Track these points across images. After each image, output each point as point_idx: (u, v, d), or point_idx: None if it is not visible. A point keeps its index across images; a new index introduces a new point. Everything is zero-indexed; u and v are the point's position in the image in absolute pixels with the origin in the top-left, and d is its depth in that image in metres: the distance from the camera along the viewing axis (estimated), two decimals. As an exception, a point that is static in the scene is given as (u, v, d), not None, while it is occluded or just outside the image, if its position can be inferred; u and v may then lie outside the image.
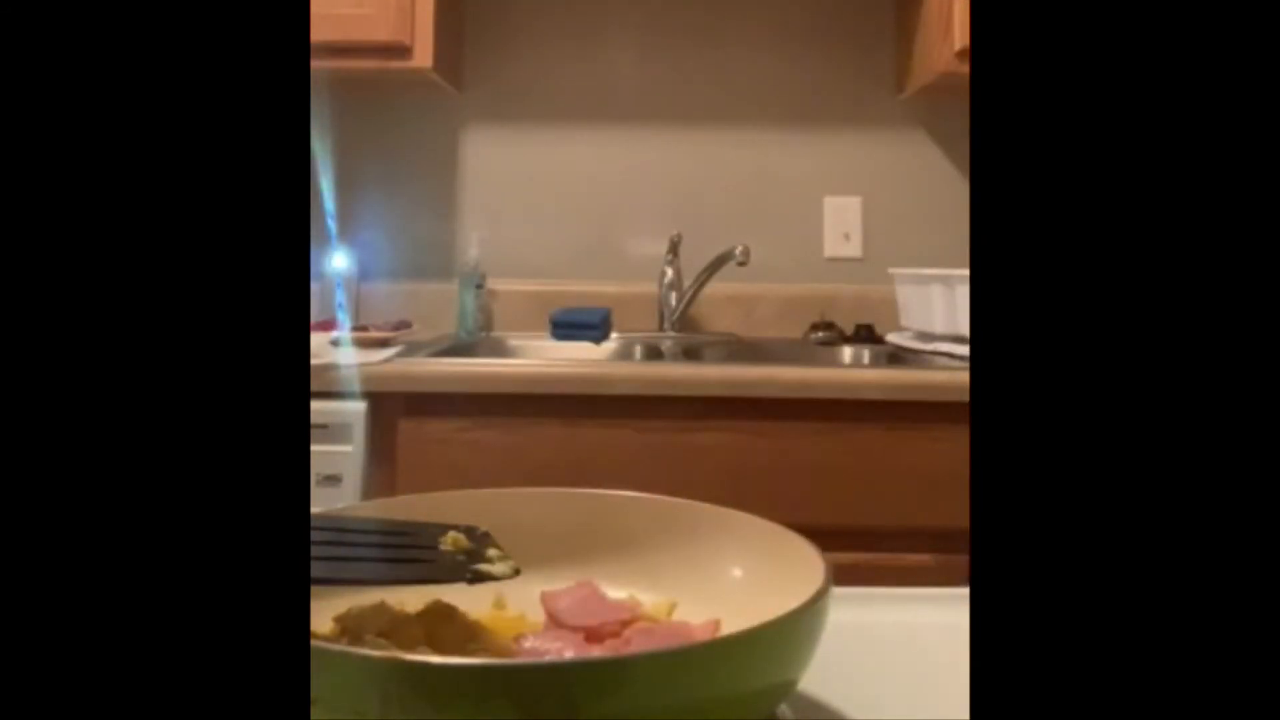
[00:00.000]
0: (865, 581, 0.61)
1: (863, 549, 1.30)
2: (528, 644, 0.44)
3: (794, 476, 1.31)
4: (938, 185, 1.89)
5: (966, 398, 1.28)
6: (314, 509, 0.45)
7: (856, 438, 1.31)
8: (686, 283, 1.81)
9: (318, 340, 1.49)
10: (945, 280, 1.49)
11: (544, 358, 1.62)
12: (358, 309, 1.84)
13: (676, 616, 0.48)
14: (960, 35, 1.56)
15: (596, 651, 0.43)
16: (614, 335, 1.74)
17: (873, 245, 1.89)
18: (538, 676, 0.33)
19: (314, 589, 0.38)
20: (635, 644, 0.43)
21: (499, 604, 0.49)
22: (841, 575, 0.44)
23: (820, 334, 1.77)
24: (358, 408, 1.32)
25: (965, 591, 0.58)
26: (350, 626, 0.44)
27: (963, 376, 1.31)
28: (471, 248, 1.82)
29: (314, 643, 0.32)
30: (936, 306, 1.52)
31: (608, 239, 1.90)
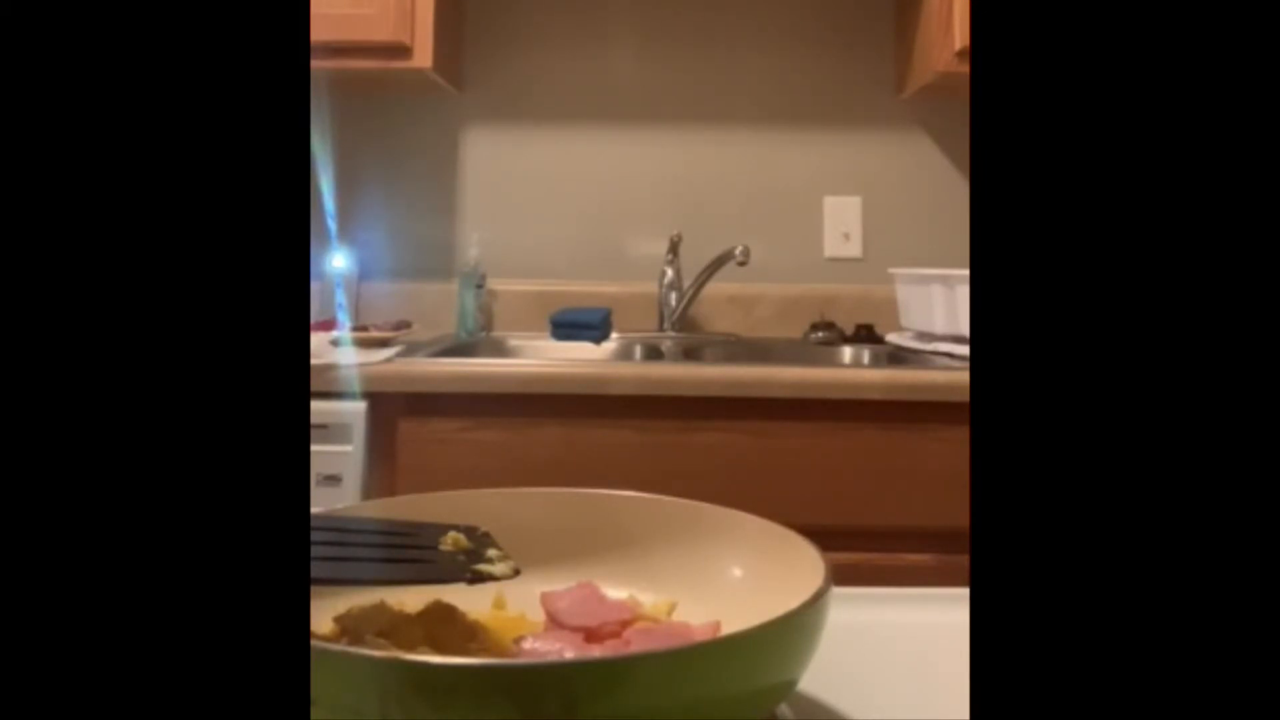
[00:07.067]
0: (865, 581, 0.61)
1: (863, 549, 1.30)
2: (528, 644, 0.44)
3: (794, 476, 1.31)
4: (938, 185, 1.89)
5: (966, 398, 1.28)
6: (314, 509, 0.45)
7: (856, 438, 1.31)
8: (686, 283, 1.81)
9: (318, 340, 1.49)
10: (945, 280, 1.49)
11: (544, 358, 1.62)
12: (358, 309, 1.84)
13: (676, 616, 0.48)
14: (960, 35, 1.56)
15: (596, 651, 0.43)
16: (614, 335, 1.74)
17: (873, 245, 1.89)
18: (538, 676, 0.33)
19: (314, 589, 0.38)
20: (635, 644, 0.43)
21: (499, 604, 0.49)
22: (841, 575, 0.43)
23: (820, 334, 1.77)
24: (358, 408, 1.32)
25: (965, 591, 0.58)
26: (350, 626, 0.44)
27: (963, 376, 1.31)
28: (471, 248, 1.82)
29: (314, 643, 0.32)
30: (936, 306, 1.52)
31: (608, 239, 1.90)
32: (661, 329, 1.81)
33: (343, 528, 0.45)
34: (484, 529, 0.48)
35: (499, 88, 1.90)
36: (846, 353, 1.72)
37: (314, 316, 1.77)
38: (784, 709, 0.42)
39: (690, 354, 1.73)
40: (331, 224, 1.85)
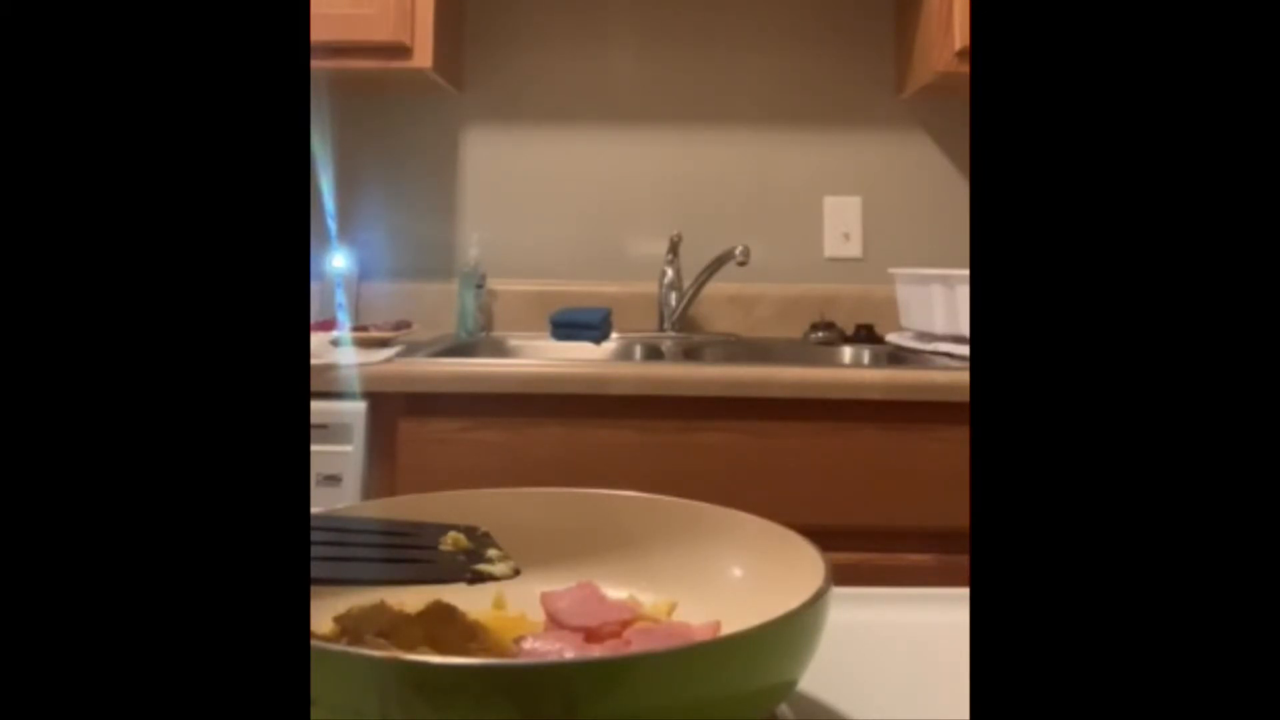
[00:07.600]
0: (865, 581, 0.61)
1: (863, 549, 1.30)
2: (528, 644, 0.44)
3: (794, 476, 1.31)
4: (938, 185, 1.89)
5: (966, 398, 1.28)
6: (314, 509, 0.45)
7: (856, 438, 1.31)
8: (686, 283, 1.81)
9: (318, 340, 1.49)
10: (945, 280, 1.49)
11: (544, 358, 1.62)
12: (358, 309, 1.84)
13: (676, 616, 0.48)
14: (960, 35, 1.56)
15: (596, 651, 0.43)
16: (614, 335, 1.74)
17: (873, 245, 1.89)
18: (538, 676, 0.33)
19: (314, 589, 0.38)
20: (635, 644, 0.43)
21: (499, 604, 0.49)
22: (841, 575, 0.43)
23: (820, 334, 1.77)
24: (358, 408, 1.32)
25: (965, 591, 0.58)
26: (350, 626, 0.44)
27: (963, 376, 1.31)
28: (471, 248, 1.82)
29: (314, 643, 0.32)
30: (936, 306, 1.52)
31: (608, 239, 1.90)
32: (661, 329, 1.81)
33: (343, 528, 0.45)
34: (484, 529, 0.48)
35: (499, 88, 1.90)
36: (846, 353, 1.72)
37: (314, 316, 1.77)
38: (784, 709, 0.42)
39: (690, 354, 1.73)
40: (331, 224, 1.85)
